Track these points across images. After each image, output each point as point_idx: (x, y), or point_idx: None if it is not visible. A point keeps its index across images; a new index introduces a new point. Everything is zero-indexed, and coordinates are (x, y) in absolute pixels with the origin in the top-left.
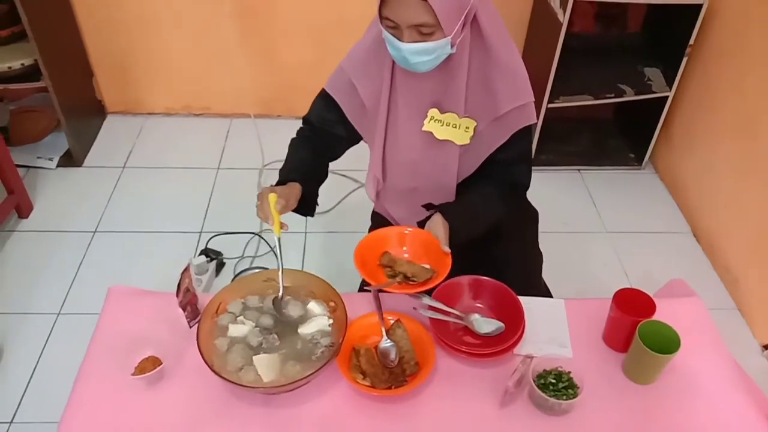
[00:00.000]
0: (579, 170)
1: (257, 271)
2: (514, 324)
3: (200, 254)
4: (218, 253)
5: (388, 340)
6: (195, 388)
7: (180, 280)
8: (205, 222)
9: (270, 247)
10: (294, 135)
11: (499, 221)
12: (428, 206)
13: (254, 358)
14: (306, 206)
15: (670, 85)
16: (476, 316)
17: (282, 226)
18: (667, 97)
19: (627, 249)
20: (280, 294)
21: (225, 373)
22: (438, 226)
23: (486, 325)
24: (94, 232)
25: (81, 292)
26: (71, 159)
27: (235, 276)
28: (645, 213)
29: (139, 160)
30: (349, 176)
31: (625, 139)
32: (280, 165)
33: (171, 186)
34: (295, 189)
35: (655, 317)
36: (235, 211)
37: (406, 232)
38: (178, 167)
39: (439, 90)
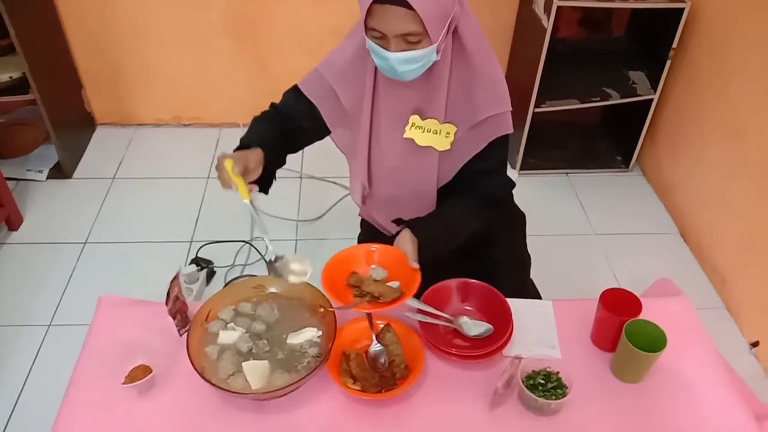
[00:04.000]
0: (567, 174)
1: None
2: (502, 326)
3: (191, 263)
4: (209, 262)
5: (378, 344)
6: (186, 395)
7: (169, 288)
8: (195, 231)
9: (260, 255)
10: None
11: (474, 234)
12: (398, 221)
13: (243, 364)
14: (263, 179)
15: (654, 88)
16: (465, 318)
17: (250, 189)
18: (652, 100)
19: (616, 251)
20: (273, 257)
21: (215, 380)
22: (406, 241)
23: (475, 327)
24: (85, 243)
25: (72, 303)
26: (61, 171)
27: (226, 284)
28: (633, 215)
29: (129, 171)
30: (338, 183)
31: (612, 142)
32: None
33: (161, 196)
34: (254, 154)
35: (643, 316)
36: (226, 220)
37: (373, 249)
38: (168, 177)
39: (422, 97)
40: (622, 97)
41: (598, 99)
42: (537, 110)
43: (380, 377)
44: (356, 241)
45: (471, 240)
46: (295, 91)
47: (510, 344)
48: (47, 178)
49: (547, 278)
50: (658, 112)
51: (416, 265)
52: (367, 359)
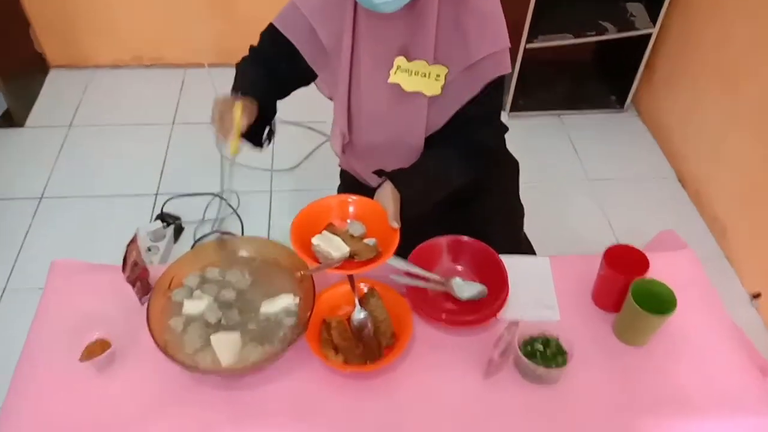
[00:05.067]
0: (559, 115)
1: (220, 236)
2: (497, 286)
3: (156, 219)
4: (176, 218)
5: (362, 311)
6: (150, 371)
7: (126, 253)
8: (161, 183)
9: (233, 209)
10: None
11: (460, 187)
12: (379, 172)
13: (212, 337)
14: (256, 133)
15: (654, 21)
16: (457, 279)
17: (238, 145)
18: (651, 34)
19: (610, 197)
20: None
21: (181, 356)
22: (387, 196)
23: (467, 289)
24: (41, 198)
25: (28, 264)
26: (11, 119)
27: (196, 242)
28: (628, 159)
29: (87, 118)
30: (315, 129)
31: (606, 80)
32: None
33: (122, 145)
34: (254, 104)
35: (648, 273)
36: (194, 170)
37: (350, 200)
38: (129, 124)
39: (407, 34)
40: (619, 31)
41: (593, 33)
42: (528, 46)
43: (364, 346)
44: (336, 193)
45: (459, 190)
46: (271, 30)
47: (505, 306)
48: None
49: (538, 228)
50: (656, 48)
51: (396, 225)
52: (349, 327)
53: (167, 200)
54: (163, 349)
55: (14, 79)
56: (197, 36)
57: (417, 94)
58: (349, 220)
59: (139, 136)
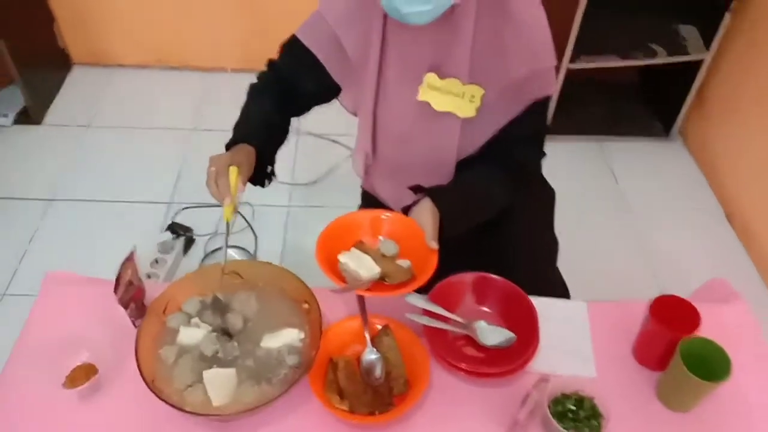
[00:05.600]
0: (598, 139)
1: (231, 252)
2: (526, 333)
3: (166, 229)
4: (187, 229)
5: (374, 351)
6: (136, 404)
7: (120, 271)
8: (175, 191)
9: (247, 222)
10: (255, 80)
11: (501, 209)
12: (416, 188)
13: (205, 374)
14: (260, 174)
15: (707, 45)
16: (482, 323)
17: (235, 208)
18: (704, 59)
19: (652, 232)
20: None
21: (169, 392)
22: (426, 213)
23: (493, 335)
24: (51, 200)
25: (32, 269)
26: (28, 116)
27: (206, 256)
28: (672, 191)
29: (106, 119)
30: (339, 141)
31: (652, 105)
32: None
33: (139, 148)
34: (251, 156)
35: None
36: None
37: (384, 217)
38: (148, 127)
39: (440, 48)
40: (669, 55)
41: (641, 55)
42: (571, 66)
43: (374, 392)
44: None
45: (483, 222)
46: (293, 42)
47: (535, 357)
48: (13, 123)
49: (572, 265)
50: (710, 74)
51: (435, 245)
52: (359, 369)
53: (180, 210)
54: (150, 384)
55: (34, 75)
56: (222, 39)
57: (449, 114)
58: (381, 238)
59: (157, 141)
